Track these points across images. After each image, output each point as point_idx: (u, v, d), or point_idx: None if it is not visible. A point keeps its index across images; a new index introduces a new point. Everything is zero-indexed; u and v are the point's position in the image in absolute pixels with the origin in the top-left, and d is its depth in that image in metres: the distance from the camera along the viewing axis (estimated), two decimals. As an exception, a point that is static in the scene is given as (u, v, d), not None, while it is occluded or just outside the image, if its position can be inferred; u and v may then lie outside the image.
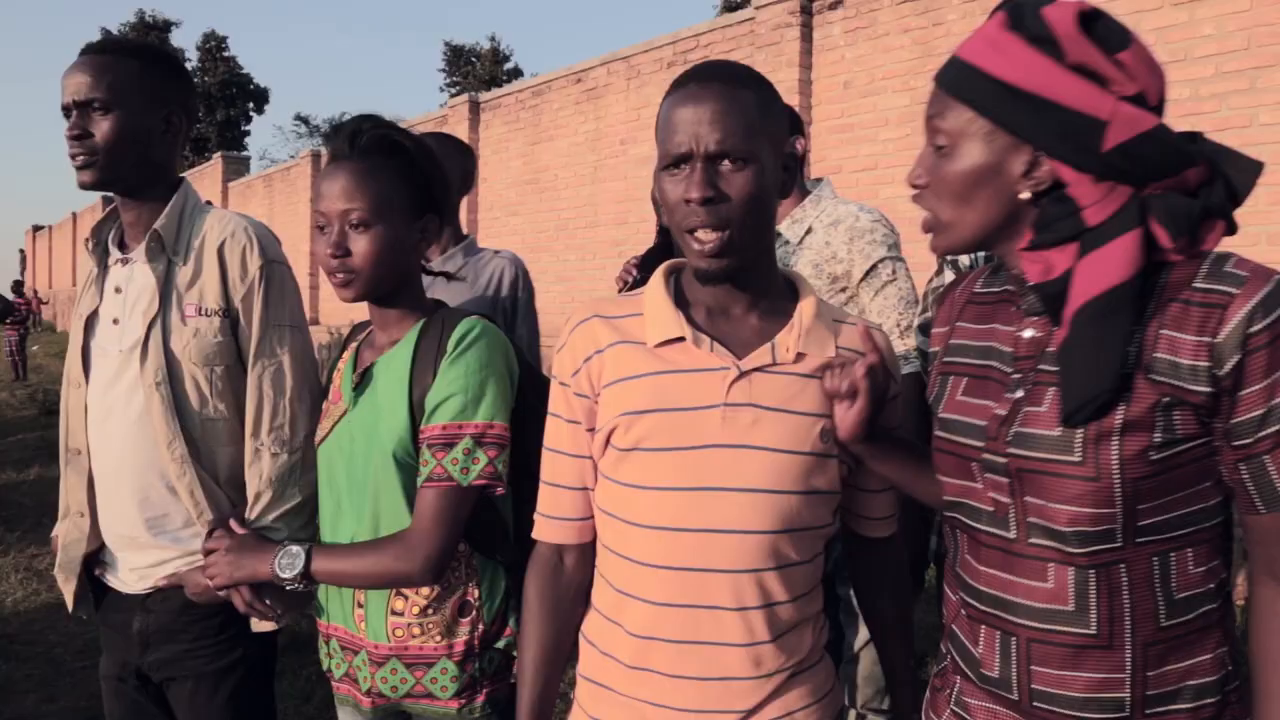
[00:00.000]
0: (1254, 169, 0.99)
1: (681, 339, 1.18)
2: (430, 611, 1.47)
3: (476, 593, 1.50)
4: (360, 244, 1.45)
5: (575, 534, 1.27)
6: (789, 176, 1.20)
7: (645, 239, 1.39)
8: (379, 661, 1.49)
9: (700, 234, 1.12)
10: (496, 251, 2.49)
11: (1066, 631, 1.02)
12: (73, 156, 1.59)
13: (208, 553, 1.57)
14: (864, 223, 2.03)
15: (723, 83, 1.12)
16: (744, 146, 1.10)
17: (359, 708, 1.55)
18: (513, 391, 1.49)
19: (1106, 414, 0.96)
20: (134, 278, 1.66)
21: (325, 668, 1.61)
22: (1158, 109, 0.98)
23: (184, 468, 1.59)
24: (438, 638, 1.47)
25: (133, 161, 1.61)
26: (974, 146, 1.02)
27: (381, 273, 1.47)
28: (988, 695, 1.10)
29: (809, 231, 2.11)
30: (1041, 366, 1.04)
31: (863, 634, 2.08)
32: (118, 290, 1.67)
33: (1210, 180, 0.98)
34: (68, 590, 1.74)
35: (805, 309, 1.21)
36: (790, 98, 6.97)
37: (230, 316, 1.63)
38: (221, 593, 1.57)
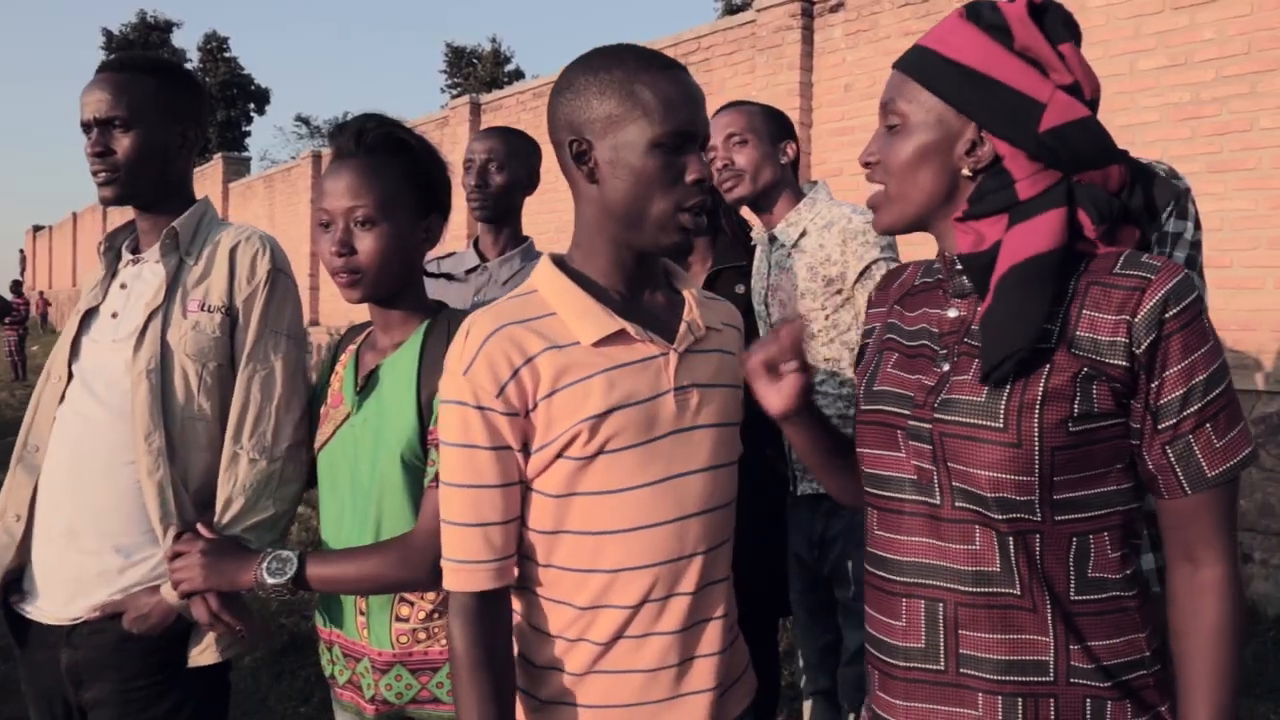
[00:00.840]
0: (1170, 191, 1.09)
1: (622, 332, 1.14)
2: (437, 616, 1.46)
3: None
4: (366, 242, 1.44)
5: (508, 574, 1.17)
6: (783, 177, 1.28)
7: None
8: (383, 669, 1.48)
9: (697, 214, 1.17)
10: None
11: (993, 593, 1.04)
12: (94, 173, 1.62)
13: (174, 556, 1.49)
14: (857, 224, 2.03)
15: (686, 71, 1.19)
16: (708, 133, 1.21)
17: (362, 715, 1.53)
18: None
19: (1030, 382, 1.02)
20: (142, 275, 1.68)
21: (328, 674, 1.58)
22: (1091, 105, 1.07)
23: (159, 462, 1.54)
24: (444, 641, 1.46)
25: (153, 177, 1.65)
26: (924, 124, 1.10)
27: (387, 272, 1.46)
28: (905, 683, 1.10)
29: (803, 234, 2.11)
30: (967, 340, 1.09)
31: (858, 638, 2.08)
32: (123, 287, 1.68)
33: (1131, 185, 1.08)
34: None
35: (685, 283, 1.27)
36: (791, 100, 6.98)
37: (231, 316, 1.63)
38: (179, 602, 1.50)
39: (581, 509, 1.14)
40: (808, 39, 7.03)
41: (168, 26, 42.47)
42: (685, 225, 1.16)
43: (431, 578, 1.34)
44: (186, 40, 48.92)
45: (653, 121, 1.11)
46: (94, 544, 1.56)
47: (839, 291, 2.05)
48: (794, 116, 7.09)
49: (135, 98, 1.61)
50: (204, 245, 1.67)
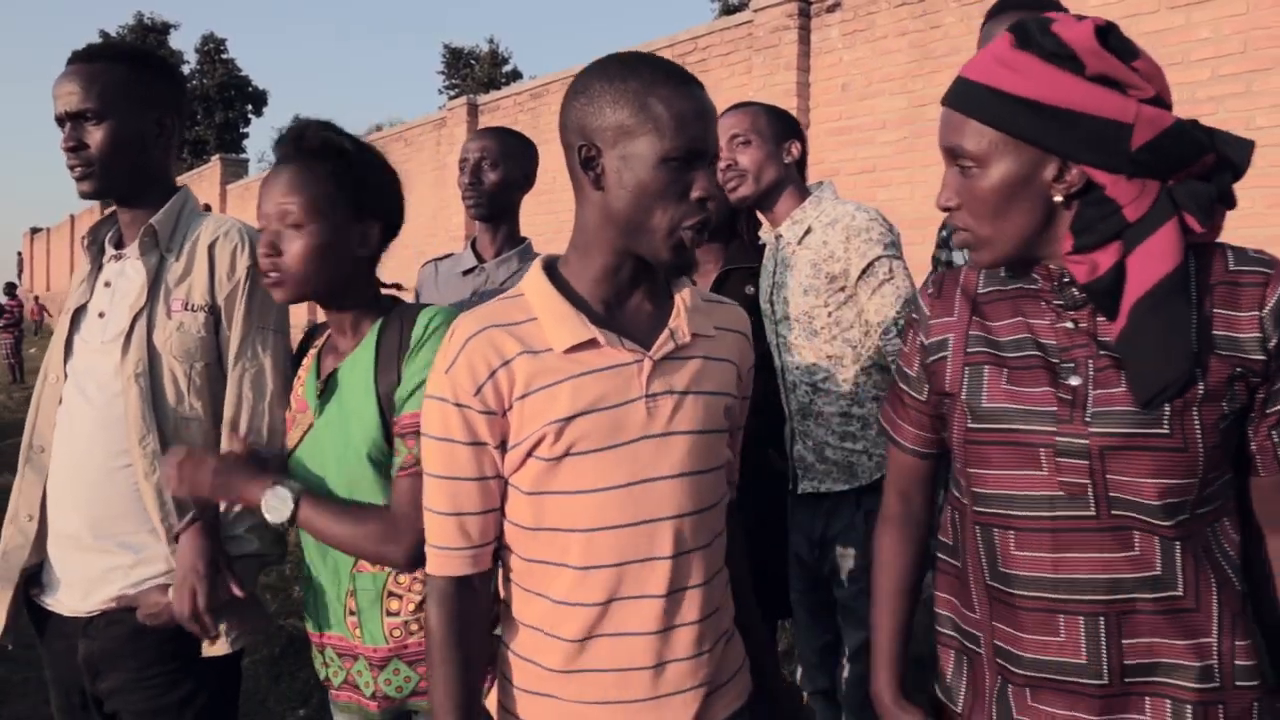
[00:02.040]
0: (1247, 147, 1.07)
1: (593, 341, 1.16)
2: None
3: None
4: (293, 244, 1.45)
5: (485, 561, 1.22)
6: (787, 176, 1.27)
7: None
8: (380, 664, 1.49)
9: (699, 232, 1.17)
10: None
11: (1157, 597, 1.05)
12: (71, 168, 1.59)
13: (181, 466, 1.48)
14: (860, 221, 2.04)
15: (702, 88, 1.18)
16: (717, 149, 1.20)
17: (364, 712, 1.54)
18: None
19: (1189, 388, 1.03)
20: (125, 272, 1.66)
21: (323, 677, 1.58)
22: (1169, 107, 1.06)
23: (154, 464, 1.55)
24: None
25: (129, 168, 1.62)
26: (1001, 162, 1.07)
27: (311, 274, 1.46)
28: (1062, 695, 1.10)
29: (808, 232, 2.12)
30: (1102, 353, 1.08)
31: (859, 639, 2.08)
32: (107, 285, 1.66)
33: (1219, 166, 1.06)
34: (0, 607, 1.63)
35: (683, 293, 1.25)
36: (788, 100, 6.98)
37: (214, 314, 1.62)
38: (179, 608, 1.51)
39: (552, 506, 1.17)
40: (804, 39, 7.03)
41: (165, 28, 42.45)
42: (684, 242, 1.16)
43: (410, 561, 1.37)
44: (184, 42, 48.87)
45: (663, 136, 1.12)
46: (103, 543, 1.58)
47: (842, 289, 2.06)
48: (791, 116, 7.09)
49: (106, 88, 1.56)
50: (184, 240, 1.65)
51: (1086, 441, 1.06)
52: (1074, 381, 1.08)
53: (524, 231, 2.61)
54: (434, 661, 1.19)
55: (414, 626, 1.48)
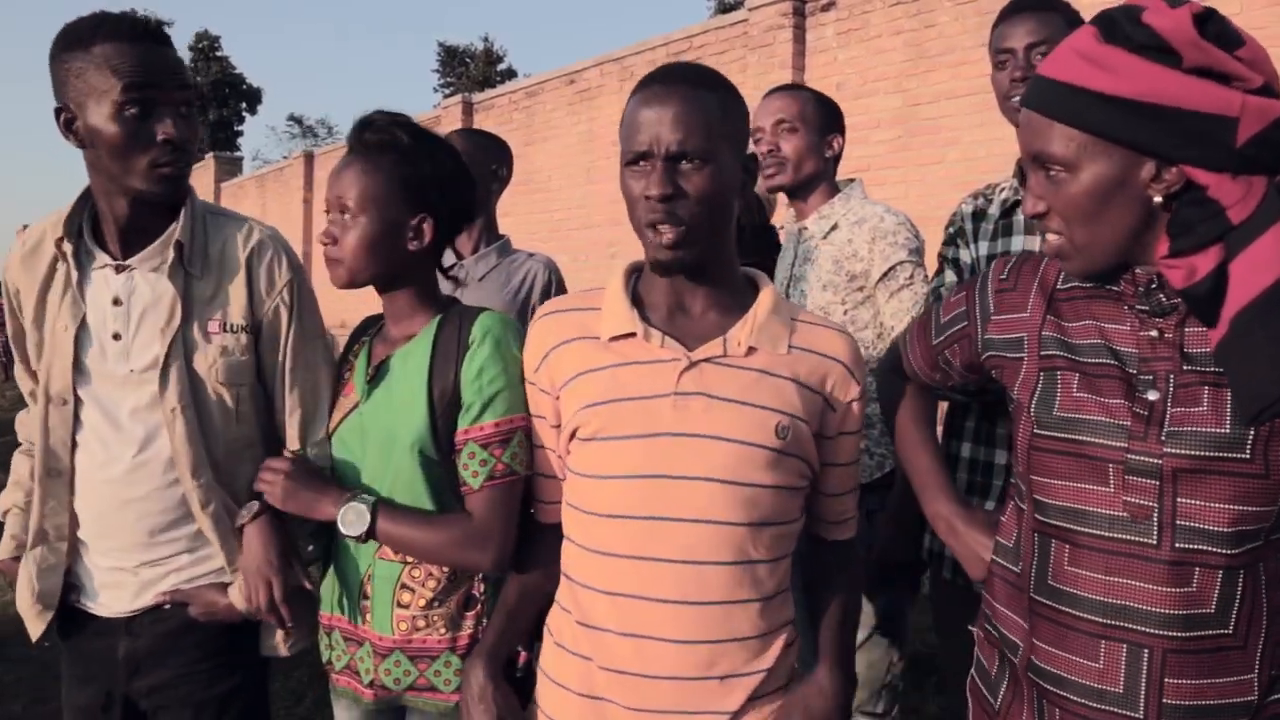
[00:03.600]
0: None
1: (633, 334, 1.21)
2: (436, 604, 1.48)
3: (482, 587, 1.51)
4: (348, 235, 1.49)
5: (551, 516, 1.38)
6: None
7: (638, 241, 1.38)
8: (383, 654, 1.50)
9: (661, 228, 1.16)
10: (531, 254, 2.49)
11: (1204, 635, 1.00)
12: (166, 164, 1.43)
13: (266, 471, 1.52)
14: (888, 224, 2.03)
15: (687, 84, 1.15)
16: (703, 147, 1.14)
17: (358, 699, 1.55)
18: None
19: None
20: (139, 289, 1.51)
21: (325, 659, 1.59)
22: (1278, 95, 0.97)
23: (210, 495, 1.51)
24: (442, 630, 1.48)
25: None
26: (1093, 165, 0.99)
27: (363, 264, 1.49)
28: (1101, 716, 1.06)
29: (834, 228, 2.11)
30: (1187, 367, 1.02)
31: (858, 636, 2.08)
32: (116, 302, 1.50)
33: None
34: (41, 623, 1.59)
35: (762, 304, 1.24)
36: (783, 99, 6.98)
37: (255, 332, 1.55)
38: (246, 607, 1.51)
39: (580, 486, 1.23)
40: (799, 38, 7.04)
41: (159, 24, 42.32)
42: (652, 240, 1.19)
43: (498, 566, 1.43)
44: (178, 39, 48.23)
45: (623, 145, 1.20)
46: (158, 557, 1.55)
47: (861, 288, 2.05)
48: (786, 115, 7.10)
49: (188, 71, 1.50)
50: (208, 251, 1.55)
51: (1160, 461, 1.00)
52: (1151, 396, 1.02)
53: (518, 230, 2.64)
54: (511, 579, 1.42)
55: (420, 623, 1.48)
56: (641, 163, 1.16)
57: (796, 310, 1.29)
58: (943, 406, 2.03)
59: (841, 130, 2.20)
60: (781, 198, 2.34)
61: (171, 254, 1.50)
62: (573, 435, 1.24)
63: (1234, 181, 0.95)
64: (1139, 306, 1.06)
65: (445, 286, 2.41)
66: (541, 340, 1.30)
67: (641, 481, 1.16)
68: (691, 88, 1.15)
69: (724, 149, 1.16)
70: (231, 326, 1.53)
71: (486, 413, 1.43)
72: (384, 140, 1.51)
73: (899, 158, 6.37)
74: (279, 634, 1.60)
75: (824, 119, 2.16)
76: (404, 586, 1.49)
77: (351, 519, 1.43)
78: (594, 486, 1.21)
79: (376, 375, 1.53)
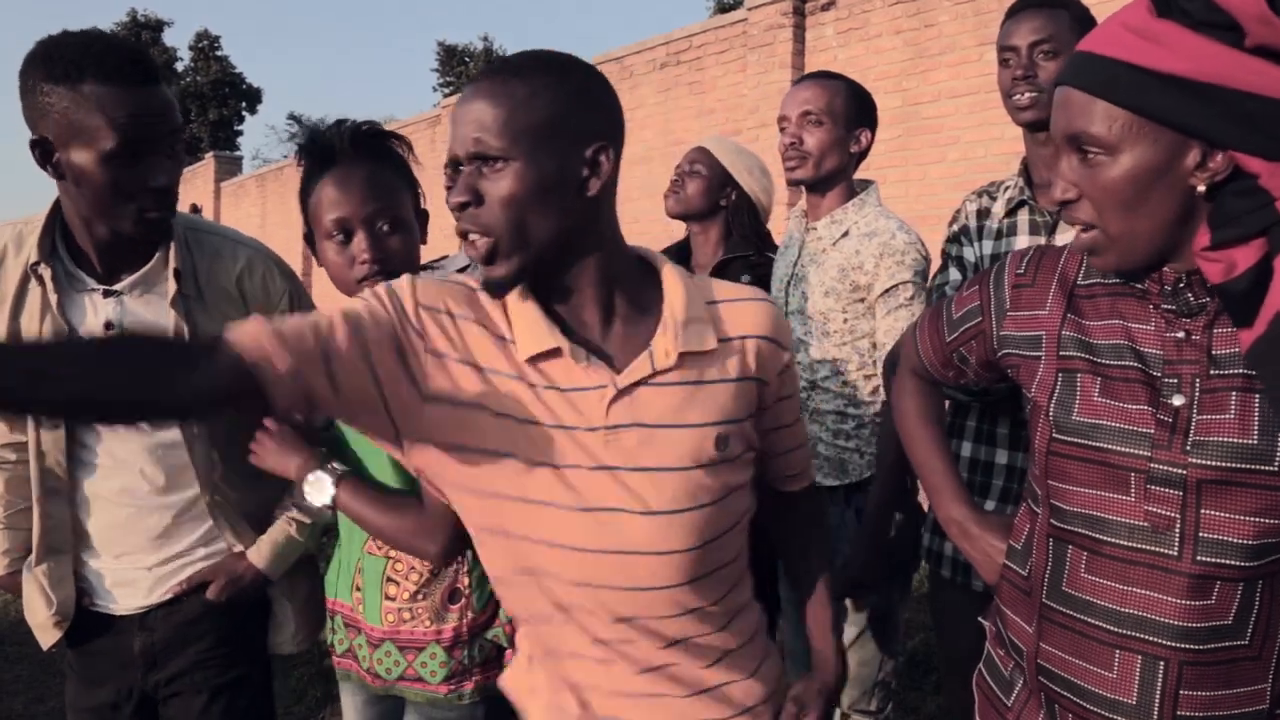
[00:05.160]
0: None
1: (558, 351, 1.04)
2: (420, 596, 1.50)
3: (466, 580, 1.51)
4: (395, 244, 1.45)
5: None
6: (847, 166, 1.14)
7: (636, 238, 1.36)
8: (375, 644, 1.52)
9: (471, 239, 1.02)
10: None
11: (1220, 647, 0.98)
12: (156, 210, 1.41)
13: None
14: (899, 242, 1.99)
15: (496, 78, 1.01)
16: (497, 145, 0.99)
17: (362, 683, 1.58)
18: None
19: None
20: (132, 312, 1.47)
21: (329, 643, 1.63)
22: None
23: (221, 511, 1.58)
24: (427, 622, 1.49)
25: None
26: (1135, 148, 0.93)
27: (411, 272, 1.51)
28: None
29: (845, 235, 2.06)
30: (1214, 372, 0.97)
31: (848, 634, 2.08)
32: (109, 327, 1.47)
33: None
34: (57, 633, 1.59)
35: (674, 303, 1.08)
36: (782, 98, 6.98)
37: None
38: (266, 565, 1.58)
39: (506, 510, 1.07)
40: (799, 37, 7.04)
41: (159, 25, 42.29)
42: (470, 254, 1.09)
43: (439, 555, 1.41)
44: (178, 39, 48.64)
45: None
46: (170, 551, 1.58)
47: (862, 300, 2.03)
48: (786, 115, 7.10)
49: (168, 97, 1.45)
50: (196, 272, 1.52)
51: (1184, 471, 0.96)
52: (1177, 402, 0.98)
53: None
54: None
55: (405, 615, 1.50)
56: (457, 170, 1.04)
57: (708, 289, 1.13)
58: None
59: (872, 124, 2.12)
60: (780, 197, 2.32)
61: (172, 284, 1.48)
62: (459, 444, 1.04)
63: None
64: (1165, 306, 1.01)
65: None
66: (442, 296, 1.06)
67: (580, 514, 1.03)
68: (500, 80, 1.01)
69: (530, 145, 0.99)
70: None
71: None
72: (382, 144, 1.50)
73: (899, 157, 6.37)
74: (287, 630, 1.66)
75: (853, 112, 2.07)
76: (389, 579, 1.51)
77: (313, 487, 1.43)
78: (525, 510, 1.04)
79: None
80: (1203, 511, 0.96)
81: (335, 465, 1.46)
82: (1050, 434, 1.07)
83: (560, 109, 1.01)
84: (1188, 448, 0.97)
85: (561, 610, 1.08)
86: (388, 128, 1.53)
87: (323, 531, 1.67)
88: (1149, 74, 0.90)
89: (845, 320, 2.04)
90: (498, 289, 1.04)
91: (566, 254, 1.05)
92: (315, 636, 1.68)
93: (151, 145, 1.36)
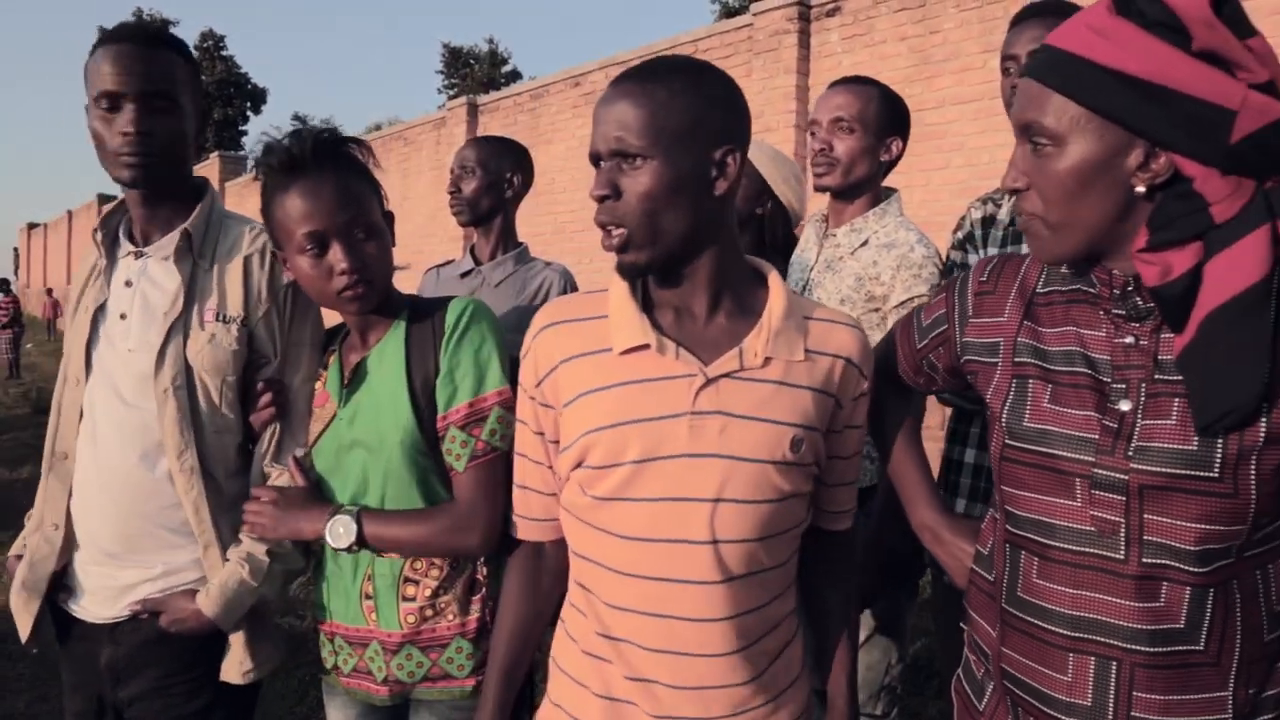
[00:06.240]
0: None
1: (647, 346, 1.13)
2: (443, 592, 1.50)
3: (484, 571, 1.53)
4: (372, 251, 1.45)
5: (551, 532, 1.30)
6: (875, 175, 1.18)
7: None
8: (393, 649, 1.51)
9: (607, 229, 1.13)
10: (548, 263, 2.50)
11: (1173, 651, 0.98)
12: (128, 152, 1.50)
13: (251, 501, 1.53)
14: (917, 255, 1.97)
15: (638, 81, 1.10)
16: (638, 144, 1.08)
17: (372, 699, 1.55)
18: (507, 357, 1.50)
19: (1250, 425, 0.92)
20: (149, 274, 1.58)
21: (330, 665, 1.59)
22: None
23: (193, 480, 1.52)
24: (451, 616, 1.50)
25: (182, 161, 1.58)
26: (1081, 141, 0.95)
27: (389, 278, 1.51)
28: None
29: (864, 244, 2.05)
30: (1159, 376, 0.98)
31: (857, 638, 2.09)
32: (128, 284, 1.58)
33: None
34: (28, 615, 1.61)
35: (774, 309, 1.16)
36: (787, 104, 7.00)
37: (248, 327, 1.57)
38: (214, 612, 1.52)
39: (593, 507, 1.17)
40: (804, 43, 7.05)
41: (164, 24, 42.43)
42: (604, 243, 1.16)
43: (486, 546, 1.44)
44: (183, 38, 48.64)
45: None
46: (136, 554, 1.56)
47: (877, 310, 2.02)
48: (790, 120, 7.11)
49: (179, 75, 1.53)
50: (217, 246, 1.60)
51: (1126, 477, 0.97)
52: (1123, 407, 0.99)
53: (523, 233, 2.65)
54: (503, 601, 1.33)
55: (429, 613, 1.49)
56: (598, 165, 1.14)
57: (808, 307, 1.22)
58: (947, 412, 2.03)
59: (904, 132, 2.10)
60: (811, 203, 2.30)
61: (180, 242, 1.56)
62: (580, 461, 1.16)
63: (1222, 179, 0.91)
64: (1115, 310, 1.03)
65: (460, 290, 2.46)
66: (545, 354, 1.20)
67: (657, 504, 1.12)
68: (642, 83, 1.10)
69: (669, 145, 1.09)
70: (224, 317, 1.56)
71: (459, 394, 1.45)
72: (343, 151, 1.49)
73: (903, 163, 6.30)
74: (234, 659, 1.58)
75: (886, 120, 2.05)
76: (407, 580, 1.50)
77: (339, 532, 1.45)
78: (611, 509, 1.14)
79: (353, 380, 1.52)
80: (1146, 516, 0.97)
81: (349, 507, 1.46)
82: (1004, 440, 1.09)
83: (695, 112, 1.10)
84: (1130, 453, 0.98)
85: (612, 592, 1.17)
86: (393, 130, 1.55)
87: (288, 579, 1.61)
88: (1102, 70, 0.92)
89: None
90: (629, 274, 1.15)
91: (690, 248, 1.15)
92: (267, 669, 1.61)
93: (125, 98, 1.49)
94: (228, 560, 1.55)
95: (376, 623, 1.51)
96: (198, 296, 1.56)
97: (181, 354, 1.54)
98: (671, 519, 1.12)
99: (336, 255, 1.41)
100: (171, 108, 1.52)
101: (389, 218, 1.54)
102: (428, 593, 1.49)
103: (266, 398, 1.56)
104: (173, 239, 1.57)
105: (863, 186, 2.06)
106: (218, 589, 1.53)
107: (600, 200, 1.11)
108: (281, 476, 1.56)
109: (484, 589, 1.52)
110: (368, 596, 1.52)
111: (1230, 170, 0.91)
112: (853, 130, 2.01)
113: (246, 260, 1.59)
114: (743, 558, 1.13)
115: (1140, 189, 0.95)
